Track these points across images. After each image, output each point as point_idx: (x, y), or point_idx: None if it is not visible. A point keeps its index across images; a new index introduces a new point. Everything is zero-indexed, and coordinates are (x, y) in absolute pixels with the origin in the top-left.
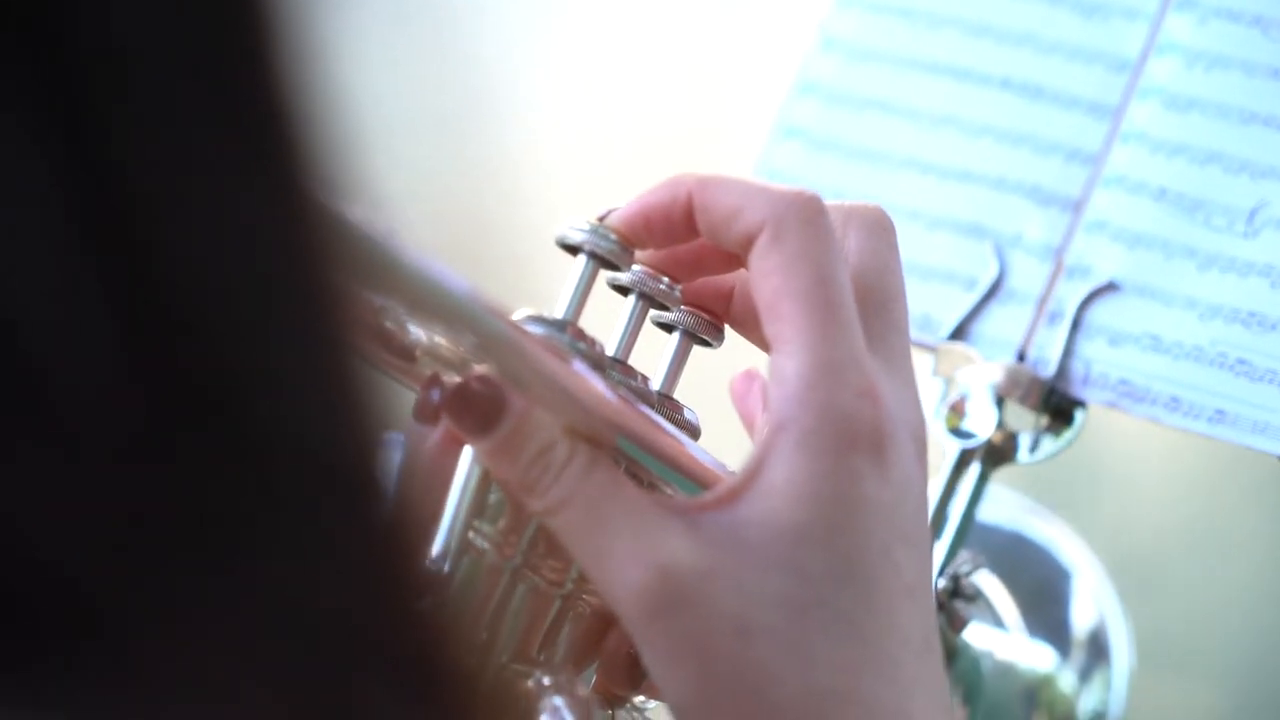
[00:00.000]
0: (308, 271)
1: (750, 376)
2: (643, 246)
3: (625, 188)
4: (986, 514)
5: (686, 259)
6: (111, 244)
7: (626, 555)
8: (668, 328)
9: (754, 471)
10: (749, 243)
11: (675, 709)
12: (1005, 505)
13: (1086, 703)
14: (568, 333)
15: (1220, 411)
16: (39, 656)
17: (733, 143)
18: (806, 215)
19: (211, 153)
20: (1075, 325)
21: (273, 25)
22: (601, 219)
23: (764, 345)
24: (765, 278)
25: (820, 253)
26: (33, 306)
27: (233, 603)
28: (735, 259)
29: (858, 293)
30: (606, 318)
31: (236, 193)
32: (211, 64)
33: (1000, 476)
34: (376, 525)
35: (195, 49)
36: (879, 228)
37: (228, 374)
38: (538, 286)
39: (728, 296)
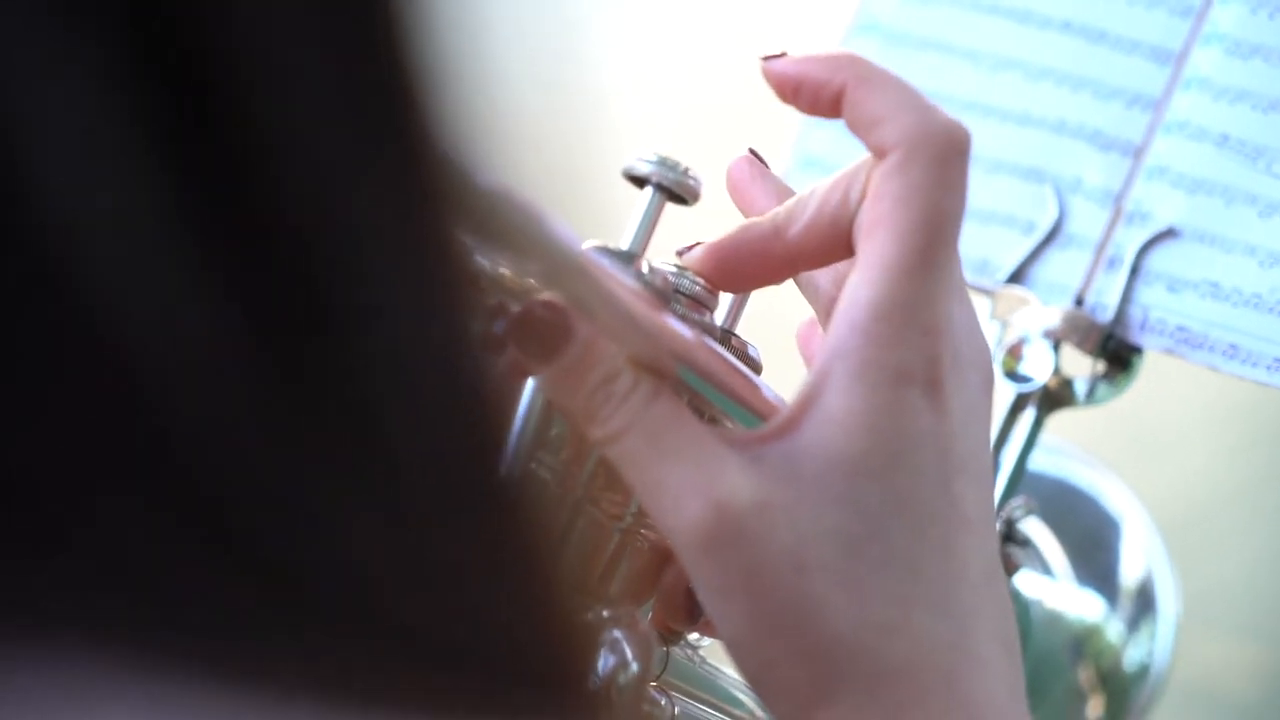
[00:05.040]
0: (421, 212)
1: (816, 323)
2: (786, 102)
3: (695, 135)
4: (1033, 461)
5: (733, 265)
6: (213, 184)
7: (684, 487)
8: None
9: (811, 397)
10: (881, 154)
11: (729, 643)
12: (1051, 452)
13: (1133, 654)
14: (633, 265)
15: (1279, 359)
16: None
17: None
18: (942, 153)
19: (318, 81)
20: (1134, 271)
21: None
22: (766, 58)
23: (813, 299)
24: (878, 200)
25: (940, 194)
26: (137, 254)
27: (314, 536)
28: (784, 273)
29: None
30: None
31: (348, 127)
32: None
33: (1054, 426)
34: (454, 450)
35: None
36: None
37: (333, 308)
38: (611, 227)
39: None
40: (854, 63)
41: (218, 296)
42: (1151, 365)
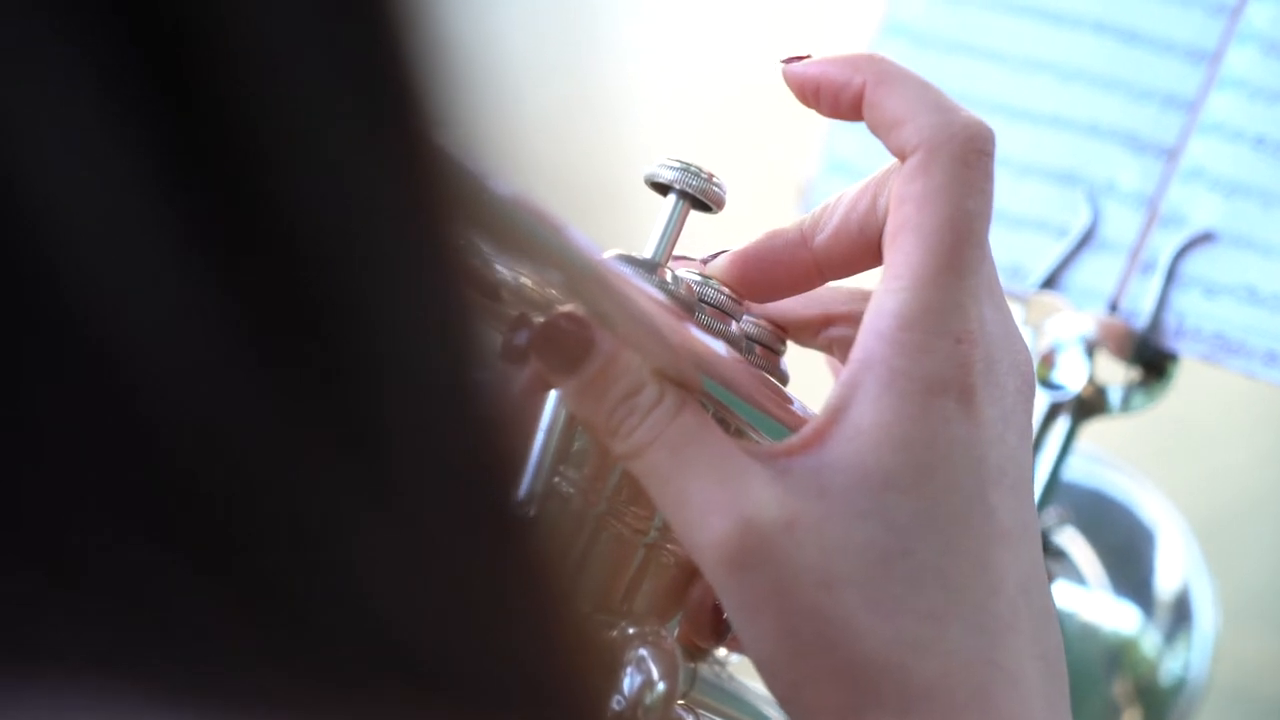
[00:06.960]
0: (420, 210)
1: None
2: (807, 106)
3: (718, 138)
4: (1067, 471)
5: (763, 279)
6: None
7: (709, 503)
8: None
9: (839, 409)
10: (903, 156)
11: (757, 662)
12: (1086, 461)
13: (1170, 666)
14: (657, 274)
15: None
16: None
17: None
18: (963, 152)
19: (321, 86)
20: (1169, 276)
21: None
22: (786, 61)
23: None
24: (900, 204)
25: (963, 194)
26: (138, 249)
27: (322, 558)
28: (812, 282)
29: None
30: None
31: (347, 129)
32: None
33: (1089, 434)
34: (470, 466)
35: None
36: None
37: (332, 307)
38: (634, 236)
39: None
40: (873, 63)
41: (223, 312)
42: (1188, 372)
